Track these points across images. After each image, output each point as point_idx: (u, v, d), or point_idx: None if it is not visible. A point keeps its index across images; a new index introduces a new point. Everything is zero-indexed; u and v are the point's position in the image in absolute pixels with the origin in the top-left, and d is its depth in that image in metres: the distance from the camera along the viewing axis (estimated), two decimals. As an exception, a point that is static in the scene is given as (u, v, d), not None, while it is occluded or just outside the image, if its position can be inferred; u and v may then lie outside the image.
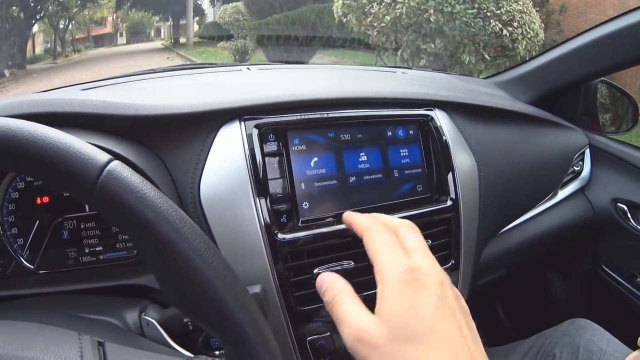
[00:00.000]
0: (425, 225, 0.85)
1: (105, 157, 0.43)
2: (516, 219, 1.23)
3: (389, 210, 0.82)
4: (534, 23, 6.06)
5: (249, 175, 0.71)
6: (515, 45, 5.76)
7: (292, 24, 8.62)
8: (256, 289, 0.54)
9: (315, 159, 0.77)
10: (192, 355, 0.53)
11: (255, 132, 0.73)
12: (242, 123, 0.74)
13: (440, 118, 0.93)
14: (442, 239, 0.88)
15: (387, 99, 0.90)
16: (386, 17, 5.75)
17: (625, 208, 1.38)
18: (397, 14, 5.63)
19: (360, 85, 1.04)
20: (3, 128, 0.41)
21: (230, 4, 11.17)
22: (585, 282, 1.56)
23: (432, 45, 5.73)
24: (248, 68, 1.21)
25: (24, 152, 0.41)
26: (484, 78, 1.60)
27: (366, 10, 5.97)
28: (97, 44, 14.96)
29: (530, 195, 1.28)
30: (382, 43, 6.20)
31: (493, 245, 1.13)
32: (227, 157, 0.73)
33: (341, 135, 0.80)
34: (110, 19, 15.48)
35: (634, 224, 1.36)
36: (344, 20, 6.43)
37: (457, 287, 0.91)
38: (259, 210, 0.71)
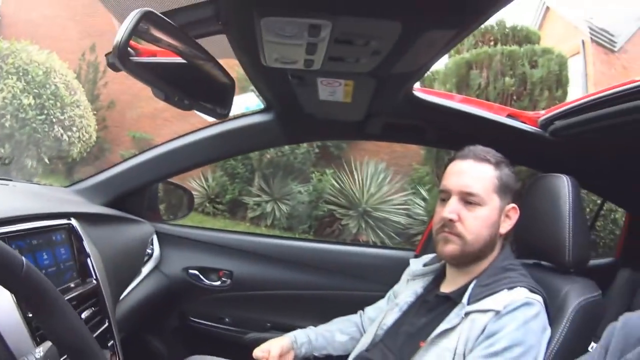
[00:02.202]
0: (81, 301, 1.18)
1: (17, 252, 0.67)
2: (125, 289, 1.61)
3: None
4: (90, 126, 6.53)
5: None
6: (72, 148, 6.08)
7: None
8: None
9: None
10: None
11: None
12: None
13: (76, 224, 1.28)
14: (95, 307, 1.21)
15: (49, 214, 1.20)
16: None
17: (197, 272, 1.92)
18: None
19: (25, 204, 1.27)
20: None
21: None
22: (179, 335, 2.03)
23: (2, 150, 5.63)
24: None
25: None
26: (66, 187, 1.89)
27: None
28: None
29: (127, 272, 1.67)
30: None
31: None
32: None
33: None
34: None
35: (207, 282, 1.91)
36: None
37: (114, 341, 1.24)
38: None
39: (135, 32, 0.85)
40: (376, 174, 7.84)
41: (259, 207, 7.63)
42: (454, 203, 1.33)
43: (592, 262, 2.25)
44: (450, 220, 1.31)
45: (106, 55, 1.09)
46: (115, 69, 1.03)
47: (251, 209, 7.69)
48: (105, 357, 0.80)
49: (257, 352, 1.47)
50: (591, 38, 9.45)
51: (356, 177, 7.84)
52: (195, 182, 7.80)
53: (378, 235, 7.45)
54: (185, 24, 1.05)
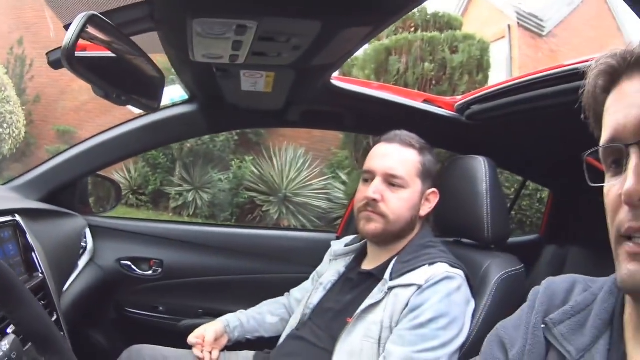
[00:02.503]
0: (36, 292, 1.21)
1: None
2: (65, 283, 1.63)
3: None
4: (20, 122, 6.29)
5: None
6: (3, 145, 5.82)
7: None
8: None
9: None
10: None
11: None
12: None
13: (20, 220, 1.30)
14: (44, 301, 1.25)
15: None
16: None
17: (129, 263, 1.95)
18: None
19: None
20: None
21: None
22: (117, 326, 2.06)
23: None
24: None
25: None
26: (1, 185, 1.88)
27: None
28: None
29: (66, 265, 1.68)
30: None
31: None
32: None
33: None
34: None
35: (139, 272, 1.95)
36: None
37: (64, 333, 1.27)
38: None
39: (82, 35, 0.89)
40: (295, 160, 7.88)
41: (181, 196, 7.53)
42: (377, 184, 1.41)
43: (518, 239, 2.47)
44: (374, 200, 1.40)
45: (47, 54, 1.13)
46: (56, 67, 1.07)
47: (173, 199, 7.57)
48: (67, 342, 0.86)
49: (191, 338, 1.51)
50: (518, 22, 9.82)
51: (275, 163, 7.85)
52: (118, 174, 7.52)
53: (299, 220, 7.51)
54: (121, 23, 1.09)
